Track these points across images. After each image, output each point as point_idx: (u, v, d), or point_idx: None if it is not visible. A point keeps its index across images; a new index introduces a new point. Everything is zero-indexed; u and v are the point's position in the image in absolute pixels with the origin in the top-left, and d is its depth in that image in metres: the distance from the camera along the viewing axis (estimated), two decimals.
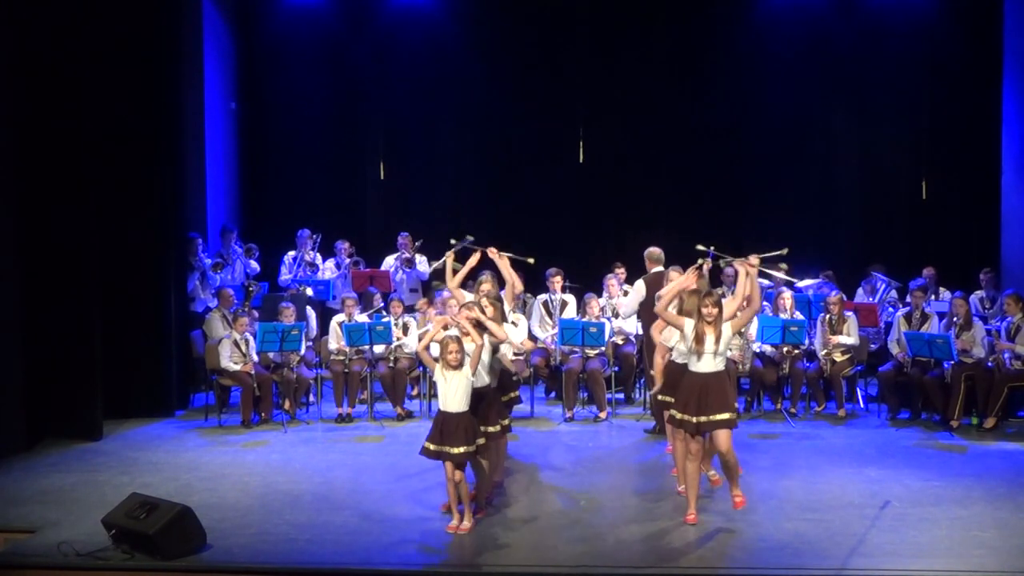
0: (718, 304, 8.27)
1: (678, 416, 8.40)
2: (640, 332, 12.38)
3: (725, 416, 8.26)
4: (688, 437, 8.42)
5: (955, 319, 11.69)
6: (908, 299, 12.39)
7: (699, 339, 8.25)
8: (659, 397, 9.40)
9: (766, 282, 13.18)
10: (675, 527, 8.43)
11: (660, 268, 11.17)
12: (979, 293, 13.10)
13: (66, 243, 11.13)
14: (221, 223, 14.64)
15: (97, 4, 11.44)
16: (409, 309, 13.00)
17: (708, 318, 8.22)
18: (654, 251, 11.47)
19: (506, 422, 9.03)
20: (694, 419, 8.26)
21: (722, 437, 8.28)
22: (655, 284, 10.80)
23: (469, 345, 8.40)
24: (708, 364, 8.28)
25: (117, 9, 11.68)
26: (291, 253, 14.35)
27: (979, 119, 14.31)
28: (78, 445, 10.90)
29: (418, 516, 8.77)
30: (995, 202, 13.86)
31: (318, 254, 14.37)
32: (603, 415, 11.98)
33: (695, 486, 8.54)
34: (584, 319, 12.16)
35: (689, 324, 8.33)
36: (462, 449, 8.24)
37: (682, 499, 8.73)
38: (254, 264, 14.31)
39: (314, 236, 14.37)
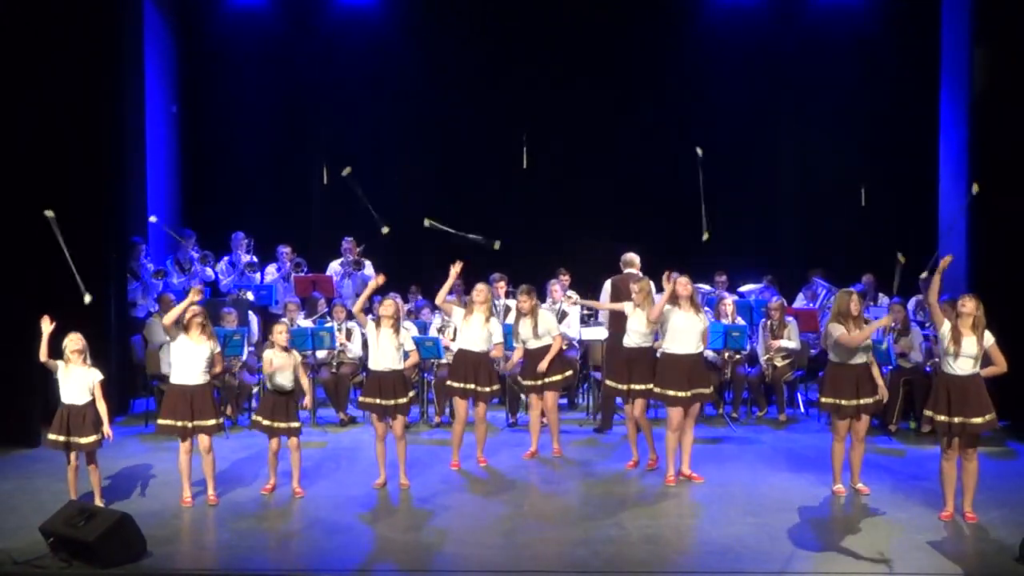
0: (981, 305, 8.45)
1: (935, 418, 8.59)
2: (582, 336, 12.42)
3: (988, 418, 8.50)
4: (954, 444, 8.63)
5: (893, 324, 11.82)
6: None
7: (956, 340, 8.43)
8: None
9: (705, 287, 13.27)
10: (616, 531, 8.47)
11: (632, 271, 11.19)
12: (917, 297, 13.24)
13: (4, 248, 10.97)
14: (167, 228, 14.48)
15: (35, 5, 11.28)
16: (351, 315, 12.93)
17: (967, 316, 8.44)
18: (627, 256, 11.54)
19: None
20: (956, 420, 8.47)
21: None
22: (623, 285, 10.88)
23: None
24: (965, 366, 8.47)
25: (55, 10, 11.50)
26: (226, 258, 14.26)
27: (917, 128, 14.49)
28: (15, 452, 10.75)
29: (361, 522, 8.77)
30: (933, 209, 14.04)
31: (254, 256, 14.26)
32: (546, 419, 11.98)
33: (952, 485, 8.74)
34: None
35: (947, 325, 8.51)
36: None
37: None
38: (209, 271, 14.18)
39: (247, 240, 14.28)
